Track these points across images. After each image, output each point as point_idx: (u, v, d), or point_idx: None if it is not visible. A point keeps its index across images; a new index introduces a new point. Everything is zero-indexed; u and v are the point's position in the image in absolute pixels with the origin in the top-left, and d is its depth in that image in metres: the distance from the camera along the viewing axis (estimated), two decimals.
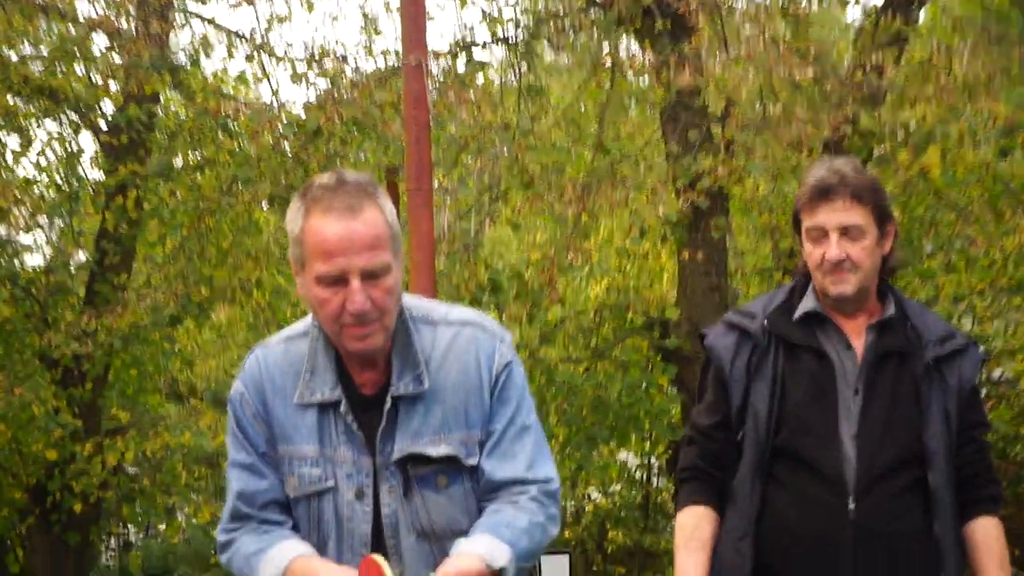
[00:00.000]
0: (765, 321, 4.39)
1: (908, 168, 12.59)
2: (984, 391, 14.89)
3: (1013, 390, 14.60)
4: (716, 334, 4.46)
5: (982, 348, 13.96)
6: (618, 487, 20.34)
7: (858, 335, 4.34)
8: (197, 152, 14.30)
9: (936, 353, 4.32)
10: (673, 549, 4.44)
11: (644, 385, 14.71)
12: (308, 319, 3.68)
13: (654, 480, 20.13)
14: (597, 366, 15.20)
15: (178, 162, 14.59)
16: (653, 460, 19.38)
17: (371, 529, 3.60)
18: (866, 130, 11.39)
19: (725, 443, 4.39)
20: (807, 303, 4.36)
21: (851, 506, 4.17)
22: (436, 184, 13.27)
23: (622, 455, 19.37)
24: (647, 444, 17.59)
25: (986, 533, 4.40)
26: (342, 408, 3.58)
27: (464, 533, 3.55)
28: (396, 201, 15.04)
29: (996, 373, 15.63)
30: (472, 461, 3.63)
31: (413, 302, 3.72)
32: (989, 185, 13.45)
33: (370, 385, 3.63)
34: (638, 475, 20.20)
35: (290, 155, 12.95)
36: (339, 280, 3.42)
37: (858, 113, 11.26)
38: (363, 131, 12.84)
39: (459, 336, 3.66)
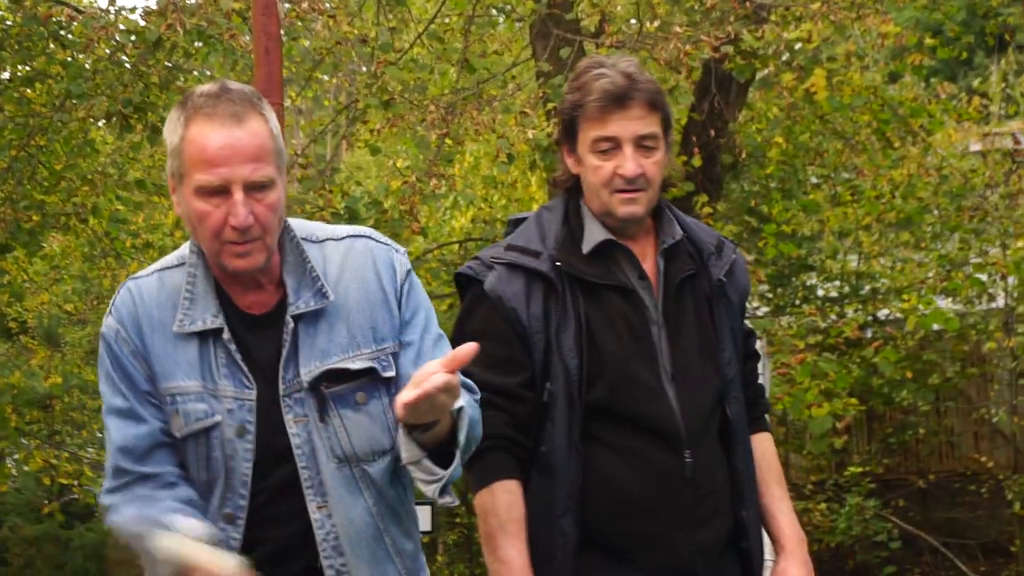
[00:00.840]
0: (554, 260, 4.04)
1: (793, 91, 12.57)
2: (870, 332, 14.99)
3: (900, 331, 14.65)
4: (498, 279, 4.04)
5: (867, 287, 14.06)
6: None
7: (646, 261, 4.11)
8: (26, 64, 13.88)
9: (721, 270, 4.15)
10: (487, 532, 3.98)
11: None
12: (181, 249, 3.64)
13: None
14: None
15: (5, 75, 14.16)
16: None
17: (251, 468, 3.52)
18: (749, 50, 11.29)
19: (533, 405, 4.01)
20: (595, 232, 4.06)
21: (688, 460, 3.95)
22: (288, 103, 13.03)
23: None
24: None
25: (764, 450, 4.24)
26: (225, 336, 3.52)
27: (387, 452, 3.58)
28: None
29: (882, 313, 15.72)
30: (389, 373, 3.59)
31: (294, 222, 3.67)
32: (877, 111, 13.45)
33: (259, 307, 3.60)
34: None
35: (128, 67, 12.60)
36: (221, 191, 3.39)
37: (740, 31, 11.17)
38: (208, 42, 12.52)
39: (352, 249, 3.65)
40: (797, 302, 16.69)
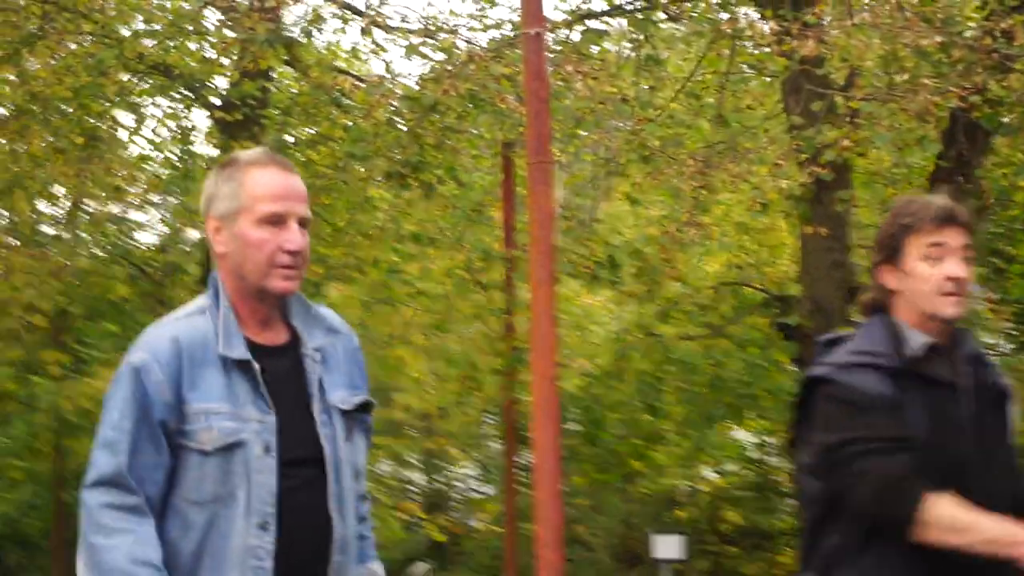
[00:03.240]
0: (899, 358, 4.33)
1: None
2: None
3: None
4: (857, 374, 4.33)
5: None
6: (734, 467, 20.24)
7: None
8: (311, 128, 14.28)
9: (998, 380, 4.42)
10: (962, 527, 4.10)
11: (763, 363, 14.59)
12: (198, 302, 3.98)
13: (771, 460, 20.01)
14: (715, 344, 15.09)
15: (292, 139, 14.58)
16: (770, 439, 19.25)
17: (277, 481, 3.81)
18: (995, 99, 11.18)
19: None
20: (918, 336, 4.33)
21: None
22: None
23: (738, 434, 19.27)
24: (764, 423, 17.45)
25: None
26: (255, 367, 3.85)
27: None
28: (511, 176, 15.01)
29: None
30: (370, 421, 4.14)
31: None
32: None
33: (273, 342, 3.97)
34: (755, 455, 20.09)
35: (405, 130, 12.91)
36: (280, 221, 3.85)
37: (987, 81, 11.05)
38: (479, 105, 12.77)
39: (329, 313, 4.14)
40: None
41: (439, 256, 16.26)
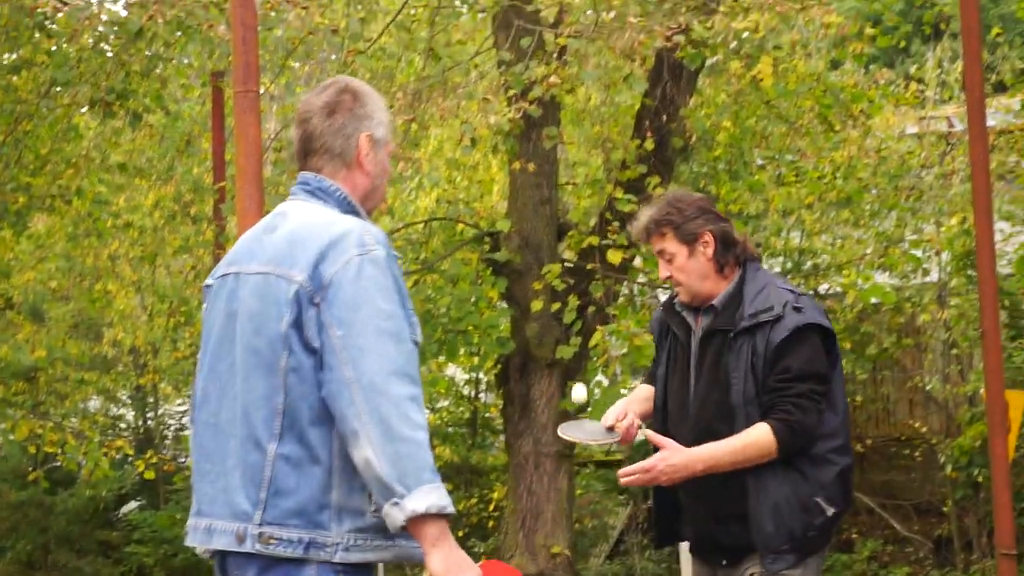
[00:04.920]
0: (663, 310, 5.68)
1: (740, 78, 12.61)
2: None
3: (840, 304, 14.75)
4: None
5: (809, 263, 13.99)
6: (446, 403, 20.29)
7: (699, 319, 5.49)
8: (13, 52, 13.80)
9: (744, 325, 5.28)
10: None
11: (474, 299, 14.61)
12: (319, 207, 4.02)
13: (482, 396, 20.12)
14: (426, 279, 15.07)
15: None
16: (481, 376, 19.34)
17: None
18: (699, 39, 11.32)
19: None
20: (672, 299, 5.60)
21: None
22: (263, 90, 12.98)
23: (450, 370, 19.31)
24: (476, 359, 17.49)
25: (745, 431, 5.22)
26: None
27: None
28: (221, 106, 14.75)
29: (823, 288, 15.82)
30: None
31: None
32: (820, 96, 13.52)
33: None
34: (466, 391, 20.18)
35: (111, 56, 12.56)
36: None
37: (691, 21, 11.19)
38: (187, 32, 12.49)
39: None
40: None
41: (148, 187, 15.96)
